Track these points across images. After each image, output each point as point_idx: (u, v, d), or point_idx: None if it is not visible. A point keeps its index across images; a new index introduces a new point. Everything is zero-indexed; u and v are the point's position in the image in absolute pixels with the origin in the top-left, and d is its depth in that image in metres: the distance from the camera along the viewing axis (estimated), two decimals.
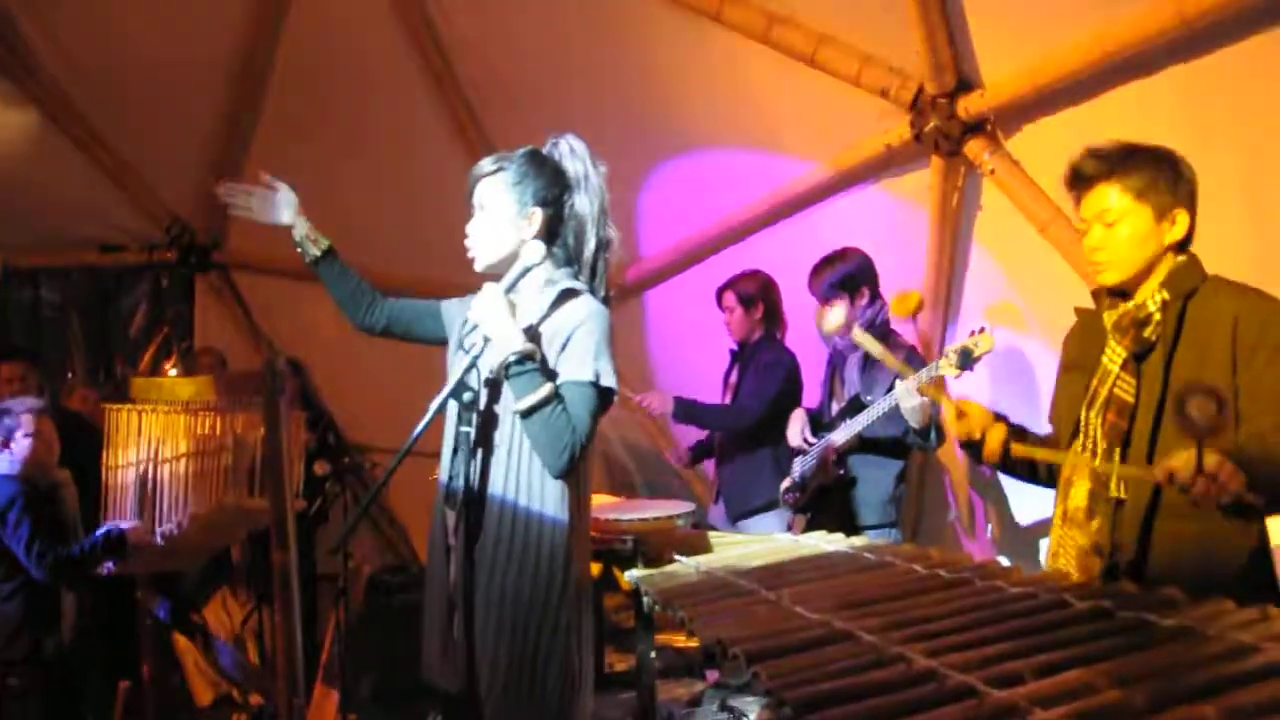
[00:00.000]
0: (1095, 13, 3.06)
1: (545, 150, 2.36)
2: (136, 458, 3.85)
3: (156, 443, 3.79)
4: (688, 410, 4.27)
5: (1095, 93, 3.19)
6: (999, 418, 2.22)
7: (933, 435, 3.49)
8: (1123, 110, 3.15)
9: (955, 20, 3.39)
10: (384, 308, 2.51)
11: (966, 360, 3.18)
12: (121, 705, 4.08)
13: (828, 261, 3.72)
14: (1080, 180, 2.11)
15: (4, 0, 4.97)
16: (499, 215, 2.27)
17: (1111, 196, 2.06)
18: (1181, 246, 2.08)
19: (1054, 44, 3.20)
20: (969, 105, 3.48)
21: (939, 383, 3.30)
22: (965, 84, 3.50)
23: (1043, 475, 2.32)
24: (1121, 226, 2.05)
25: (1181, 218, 2.06)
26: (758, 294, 4.20)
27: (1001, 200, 3.61)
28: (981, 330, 3.24)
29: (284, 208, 2.50)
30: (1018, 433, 2.22)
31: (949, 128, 3.55)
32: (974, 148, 3.55)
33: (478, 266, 2.32)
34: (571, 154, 2.33)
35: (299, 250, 2.50)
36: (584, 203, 2.31)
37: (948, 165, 3.69)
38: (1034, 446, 2.19)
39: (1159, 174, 2.04)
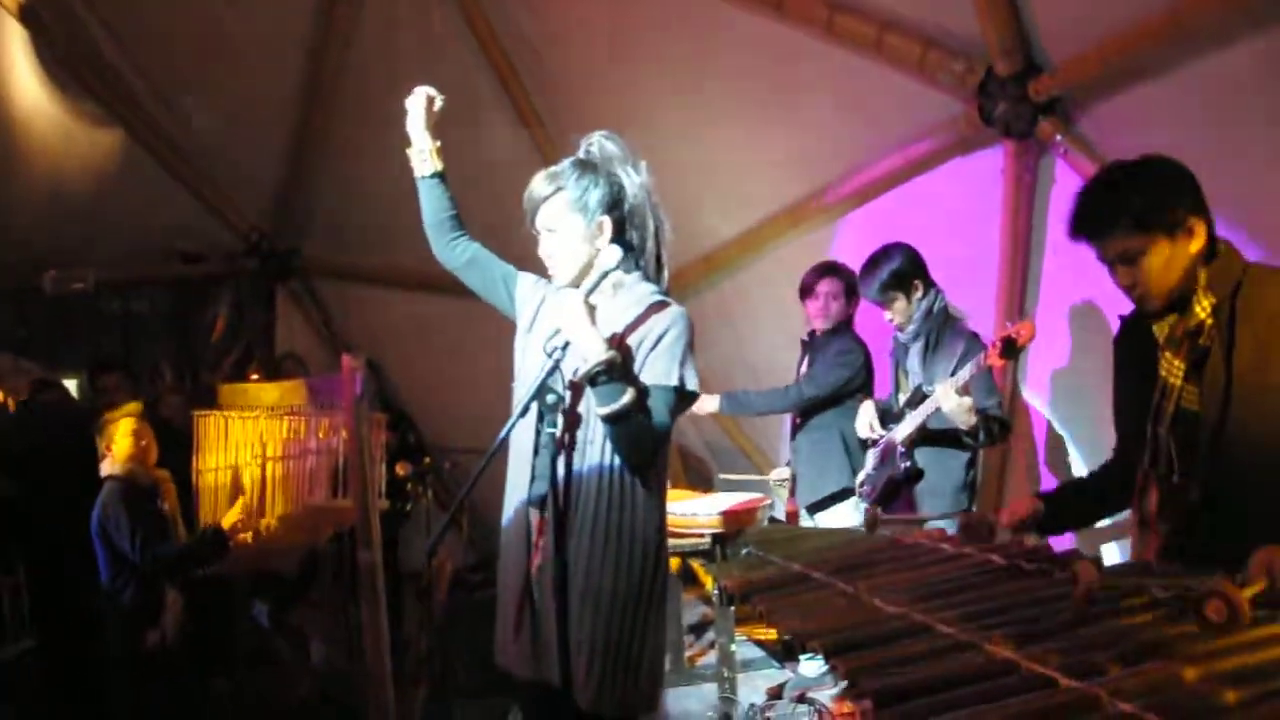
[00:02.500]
0: None
1: (583, 154, 2.39)
2: (224, 462, 4.00)
3: (243, 447, 3.92)
4: (734, 401, 4.38)
5: (1170, 69, 3.10)
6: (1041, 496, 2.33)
7: (982, 434, 3.45)
8: (1200, 86, 3.06)
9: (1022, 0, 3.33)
10: (468, 249, 2.54)
11: (1011, 350, 3.13)
12: (217, 701, 4.22)
13: (873, 263, 3.69)
14: (1085, 235, 2.06)
15: (91, 29, 5.16)
16: (572, 234, 2.31)
17: (1123, 239, 1.99)
18: (1210, 250, 2.01)
19: (1124, 19, 3.12)
20: (1039, 86, 3.42)
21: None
22: (1034, 65, 3.44)
23: (1092, 511, 2.40)
24: (1145, 261, 1.99)
25: (1197, 226, 1.98)
26: (856, 284, 4.17)
27: (1077, 181, 3.55)
28: (1024, 319, 3.21)
29: (423, 117, 2.50)
30: (1047, 498, 2.33)
31: (1019, 110, 3.49)
32: (1046, 129, 3.49)
33: (559, 283, 2.37)
34: (610, 152, 2.37)
35: (411, 159, 2.53)
36: (637, 197, 2.36)
37: (1020, 147, 3.63)
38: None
39: (1156, 196, 1.98)
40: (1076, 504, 2.39)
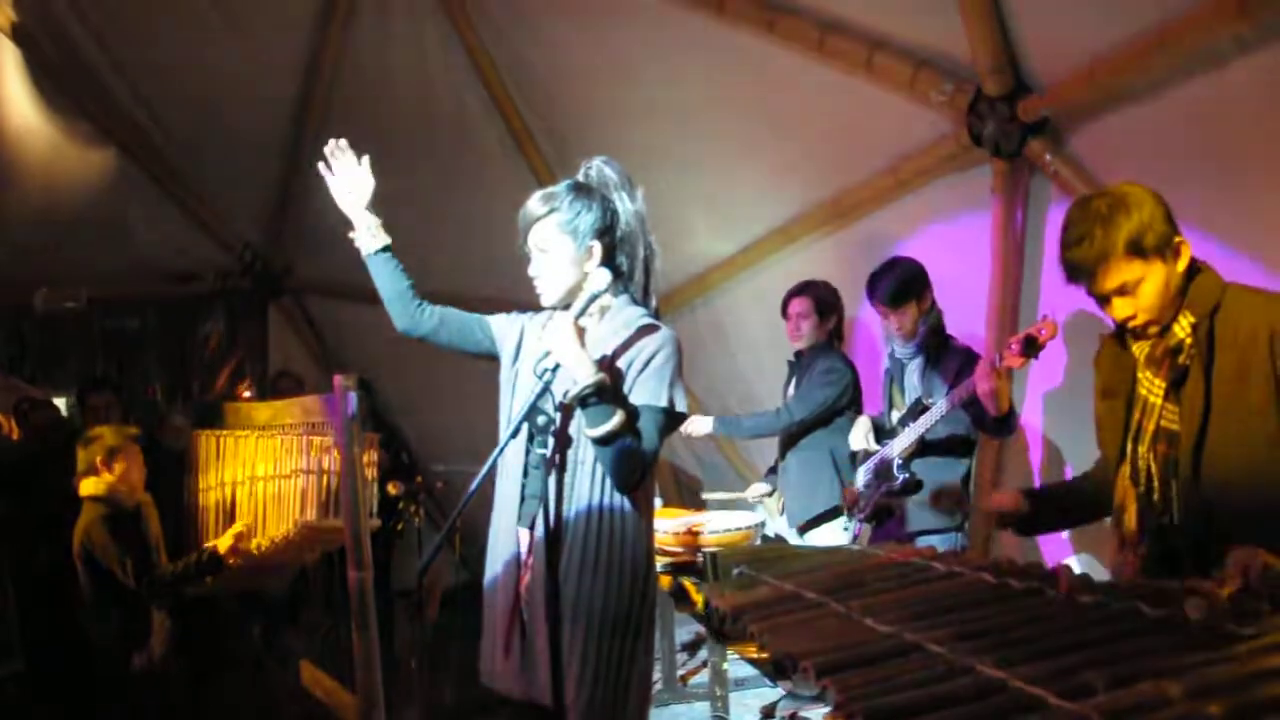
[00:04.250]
0: (1153, 7, 2.99)
1: (581, 177, 2.41)
2: (219, 481, 3.99)
3: (238, 466, 3.92)
4: (727, 423, 4.45)
5: (1160, 90, 3.11)
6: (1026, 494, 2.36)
7: (1009, 421, 3.44)
8: (1190, 107, 3.06)
9: (1011, 20, 3.34)
10: (432, 312, 2.54)
11: (1032, 348, 3.13)
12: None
13: (885, 270, 3.71)
14: (1083, 274, 2.03)
15: (84, 48, 5.17)
16: (562, 256, 2.33)
17: (1122, 270, 1.98)
18: (1191, 267, 2.02)
19: (1114, 40, 3.14)
20: (1028, 106, 3.44)
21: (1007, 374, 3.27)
22: (1024, 85, 3.46)
23: (1074, 516, 2.42)
24: (1144, 288, 1.98)
25: (1183, 245, 2.00)
26: (834, 303, 4.18)
27: (1067, 202, 3.56)
28: (1045, 318, 3.20)
29: (358, 194, 2.52)
30: (1032, 496, 2.35)
31: (1008, 130, 3.50)
32: (1035, 149, 3.50)
33: (546, 303, 2.39)
34: (607, 177, 2.39)
35: (355, 240, 2.53)
36: (630, 224, 2.38)
37: (1009, 167, 3.64)
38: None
39: (1140, 219, 1.96)
40: (1059, 507, 2.41)
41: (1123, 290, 2.00)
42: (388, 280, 2.54)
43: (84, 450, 3.87)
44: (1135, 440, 2.10)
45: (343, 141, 2.55)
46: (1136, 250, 1.96)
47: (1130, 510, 2.11)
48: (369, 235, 2.52)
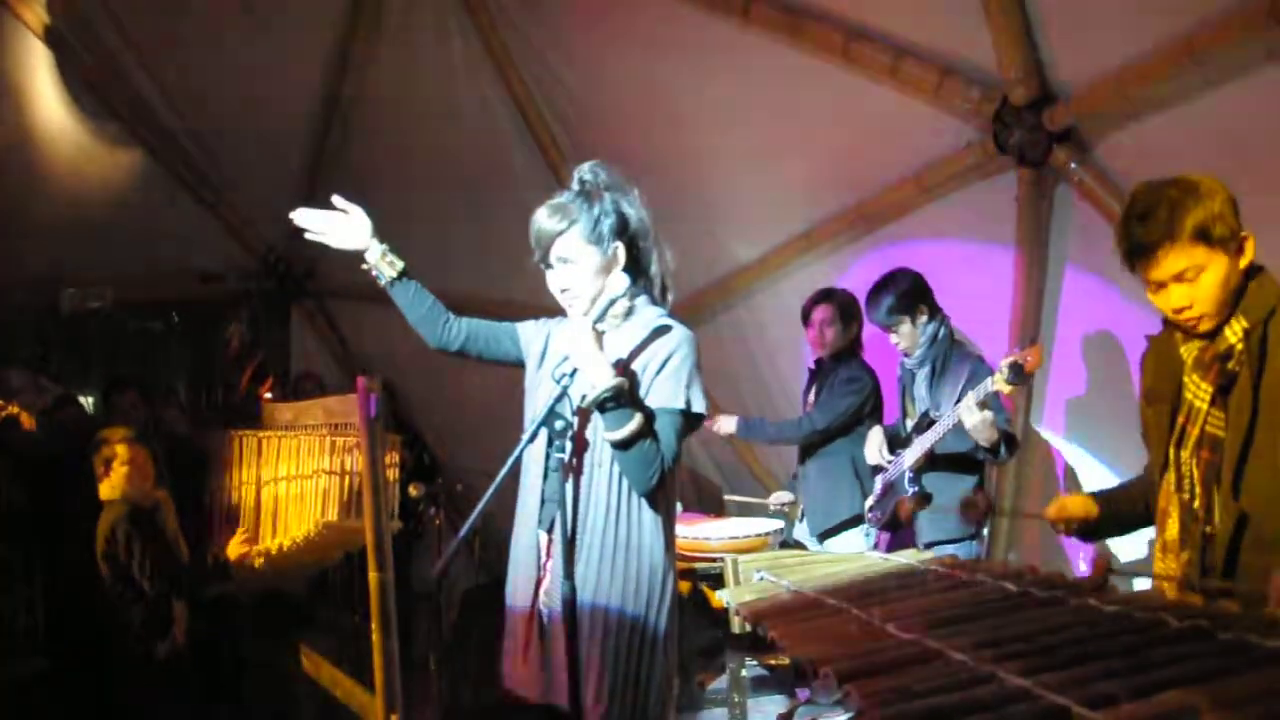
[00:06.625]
0: (1182, 16, 2.99)
1: (584, 185, 2.38)
2: (239, 481, 4.01)
3: (260, 465, 3.94)
4: (749, 427, 4.44)
5: (1186, 99, 3.10)
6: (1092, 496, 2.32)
7: (1003, 450, 3.44)
8: (1216, 117, 3.05)
9: (1037, 28, 3.34)
10: (460, 326, 2.54)
11: (1018, 375, 3.11)
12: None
13: (879, 288, 3.71)
14: (1143, 251, 1.97)
15: (113, 51, 5.21)
16: (591, 265, 2.32)
17: (1185, 255, 1.93)
18: (1251, 268, 1.99)
19: (1140, 49, 3.13)
20: (1054, 115, 3.42)
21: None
22: (1050, 94, 3.45)
23: (1141, 513, 2.31)
24: (1205, 277, 1.93)
25: (1247, 242, 1.96)
26: (856, 310, 4.17)
27: (1092, 211, 3.55)
28: (1032, 343, 3.19)
29: (359, 232, 2.49)
30: (1101, 499, 2.30)
31: (1033, 138, 3.49)
32: (1060, 158, 3.49)
33: (577, 313, 2.34)
34: (608, 180, 2.38)
35: (373, 273, 2.51)
36: (642, 220, 2.38)
37: (1034, 176, 3.64)
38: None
39: (1210, 209, 1.91)
40: (1117, 511, 2.34)
41: (1182, 277, 1.95)
42: (412, 305, 2.53)
43: (95, 453, 3.91)
44: (1179, 445, 2.07)
45: (302, 211, 2.52)
46: (1203, 237, 1.92)
47: (1173, 516, 2.07)
48: (384, 264, 2.50)
